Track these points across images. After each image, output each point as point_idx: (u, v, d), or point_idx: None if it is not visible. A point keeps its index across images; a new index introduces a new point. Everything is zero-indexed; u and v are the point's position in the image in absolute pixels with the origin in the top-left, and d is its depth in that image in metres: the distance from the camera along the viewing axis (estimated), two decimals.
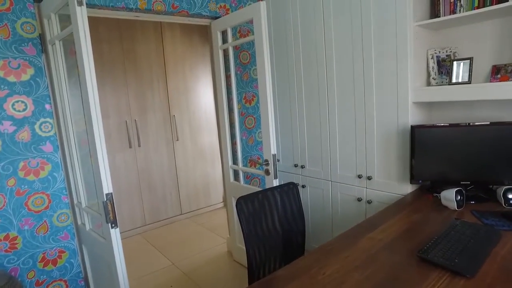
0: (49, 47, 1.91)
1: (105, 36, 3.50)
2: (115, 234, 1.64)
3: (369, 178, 2.27)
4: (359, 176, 2.33)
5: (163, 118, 3.96)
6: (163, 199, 4.04)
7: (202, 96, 4.27)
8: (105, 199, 1.61)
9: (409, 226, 1.56)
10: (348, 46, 2.24)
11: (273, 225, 1.82)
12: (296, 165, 2.82)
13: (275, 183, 2.39)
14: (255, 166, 3.02)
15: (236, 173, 2.89)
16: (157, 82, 3.89)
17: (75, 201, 2.09)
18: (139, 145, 3.79)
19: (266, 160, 2.38)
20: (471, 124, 1.84)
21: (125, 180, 3.74)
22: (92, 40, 3.40)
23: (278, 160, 2.84)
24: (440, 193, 1.81)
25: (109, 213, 1.61)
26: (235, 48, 2.83)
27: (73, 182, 2.09)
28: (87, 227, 2.02)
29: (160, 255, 3.32)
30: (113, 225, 1.63)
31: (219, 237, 3.65)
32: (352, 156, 2.37)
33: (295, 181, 2.81)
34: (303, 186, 2.77)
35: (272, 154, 2.35)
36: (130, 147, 3.73)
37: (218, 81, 2.76)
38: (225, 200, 4.59)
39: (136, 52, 3.72)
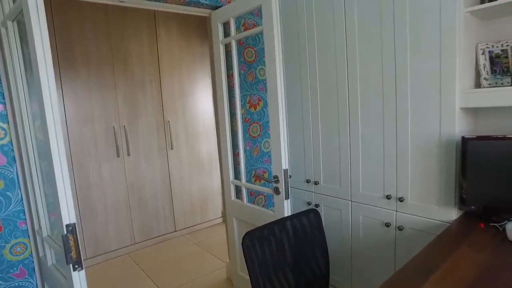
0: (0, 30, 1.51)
1: (91, 31, 3.11)
2: (78, 278, 1.23)
3: (400, 199, 1.86)
4: (388, 197, 1.93)
5: (156, 124, 3.56)
6: (155, 214, 3.62)
7: (200, 100, 3.87)
8: (65, 232, 1.20)
9: (478, 272, 1.15)
10: (375, 41, 1.85)
11: (289, 268, 1.41)
12: (308, 181, 2.42)
13: (286, 205, 1.98)
14: (260, 181, 2.62)
15: (238, 189, 2.49)
16: (150, 84, 3.50)
17: (36, 227, 1.67)
18: (128, 154, 3.39)
19: (276, 177, 1.98)
20: None
21: (112, 193, 3.32)
22: (75, 35, 3.02)
23: (290, 176, 2.44)
24: (500, 223, 1.41)
25: (70, 250, 1.20)
26: (239, 43, 2.44)
27: (33, 203, 1.68)
28: (49, 262, 1.60)
29: (149, 281, 2.89)
30: (76, 266, 1.22)
31: (217, 260, 3.23)
32: (379, 172, 1.97)
33: (306, 199, 2.41)
34: (317, 206, 2.37)
35: (283, 170, 1.95)
36: (118, 156, 3.32)
37: (218, 81, 2.36)
38: (224, 218, 4.18)
39: (126, 51, 3.33)
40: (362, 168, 2.06)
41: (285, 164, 1.95)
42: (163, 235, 3.69)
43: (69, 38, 3.01)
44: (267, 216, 2.12)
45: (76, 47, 3.05)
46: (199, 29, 3.81)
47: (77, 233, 1.21)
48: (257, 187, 2.24)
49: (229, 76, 2.38)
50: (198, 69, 3.83)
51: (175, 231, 3.78)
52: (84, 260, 3.19)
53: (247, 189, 2.37)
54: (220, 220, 4.14)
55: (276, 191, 2.00)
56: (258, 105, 2.55)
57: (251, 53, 2.51)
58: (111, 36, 3.23)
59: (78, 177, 3.12)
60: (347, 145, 2.12)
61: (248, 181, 2.51)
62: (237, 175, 2.48)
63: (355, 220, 2.14)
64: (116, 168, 3.33)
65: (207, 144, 3.96)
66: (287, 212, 2.01)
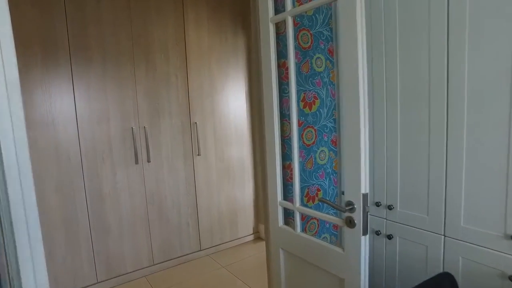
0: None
1: (108, 15, 2.63)
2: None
3: None
4: None
5: (181, 125, 3.04)
6: (177, 230, 3.09)
7: (232, 98, 3.33)
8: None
9: None
10: (492, 12, 1.24)
11: None
12: (378, 204, 1.83)
13: (364, 243, 1.40)
14: (313, 202, 2.03)
15: (286, 212, 1.92)
16: (175, 78, 2.98)
17: None
18: (148, 160, 2.88)
19: (350, 203, 1.40)
20: None
21: (128, 206, 2.82)
22: (89, 19, 2.54)
23: (368, 209, 1.85)
24: None
25: None
26: (294, 23, 1.87)
27: None
28: None
29: None
30: None
31: None
32: (495, 200, 1.36)
33: (374, 227, 1.85)
34: (389, 237, 1.78)
35: (362, 194, 1.36)
36: (137, 162, 2.82)
37: (266, 73, 1.80)
38: (257, 235, 3.62)
39: (148, 38, 2.82)
40: (465, 192, 1.45)
41: (364, 187, 1.37)
42: (186, 255, 3.17)
43: (82, 22, 2.53)
44: (333, 255, 1.54)
45: (90, 33, 2.56)
46: (232, 14, 3.27)
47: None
48: (318, 213, 1.65)
49: (280, 66, 1.82)
50: (231, 61, 3.29)
51: (200, 250, 3.25)
52: (93, 284, 2.69)
53: (300, 213, 1.79)
54: (252, 237, 3.58)
55: (350, 222, 1.42)
56: (314, 104, 1.98)
57: (307, 38, 1.94)
58: (132, 21, 2.73)
59: (89, 185, 2.63)
60: (441, 159, 1.51)
61: (302, 202, 1.92)
62: (287, 194, 1.91)
63: (451, 263, 1.53)
64: (133, 177, 2.83)
65: (239, 150, 3.41)
66: (364, 253, 1.43)
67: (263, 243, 3.50)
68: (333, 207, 1.53)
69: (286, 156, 1.89)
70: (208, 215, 3.26)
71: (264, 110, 1.85)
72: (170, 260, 3.07)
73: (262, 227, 3.56)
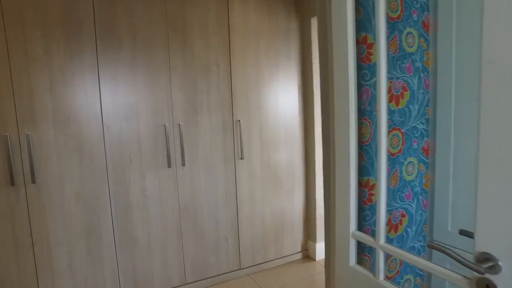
0: None
1: None
2: None
3: None
4: None
5: (222, 123, 2.59)
6: (214, 246, 2.65)
7: (282, 92, 2.82)
8: None
9: None
10: None
11: None
12: (462, 233, 1.26)
13: None
14: (395, 232, 1.47)
15: (360, 247, 1.37)
16: (217, 67, 2.53)
17: None
18: (183, 164, 2.46)
19: (487, 258, 0.84)
20: None
21: (158, 216, 2.42)
22: None
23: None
24: None
25: None
26: None
27: None
28: None
29: None
30: None
31: None
32: None
33: (461, 272, 1.23)
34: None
35: None
36: (169, 165, 2.41)
37: (338, 50, 1.26)
38: (306, 253, 3.08)
39: (186, 20, 2.40)
40: None
41: None
42: (224, 274, 2.72)
43: (109, 0, 2.16)
44: None
45: (118, 12, 2.18)
46: None
47: None
48: (421, 261, 1.09)
49: (358, 42, 1.28)
50: (281, 49, 2.79)
51: (240, 269, 2.78)
52: None
53: (385, 253, 1.24)
54: (299, 256, 3.05)
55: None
56: (402, 98, 1.41)
57: (396, 4, 1.38)
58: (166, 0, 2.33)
59: (114, 191, 2.26)
60: None
61: (386, 238, 1.35)
62: (361, 222, 1.37)
63: None
64: (165, 182, 2.42)
65: (289, 154, 2.90)
66: None
67: (313, 263, 2.96)
68: (459, 261, 0.96)
69: (363, 170, 1.34)
70: (250, 229, 2.79)
71: (334, 104, 1.32)
72: (205, 279, 2.64)
73: (312, 245, 3.02)
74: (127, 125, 2.27)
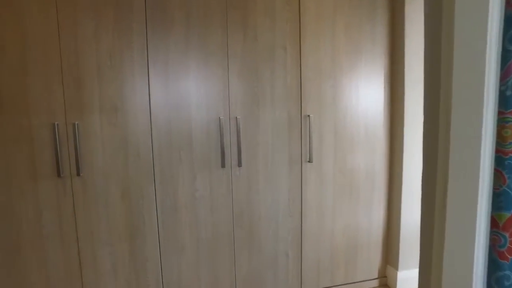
0: None
1: None
2: None
3: None
4: None
5: (288, 118, 2.18)
6: (271, 261, 2.28)
7: (364, 83, 2.30)
8: None
9: None
10: None
11: None
12: None
13: None
14: None
15: None
16: (283, 51, 2.13)
17: None
18: (239, 164, 2.12)
19: None
20: None
21: (209, 222, 2.13)
22: None
23: None
24: None
25: None
26: None
27: None
28: None
29: None
30: None
31: None
32: None
33: None
34: None
35: None
36: (223, 165, 2.09)
37: (473, 20, 0.76)
38: (383, 281, 2.53)
39: None
40: None
41: None
42: None
43: None
44: None
45: None
46: None
47: None
48: None
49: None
50: (365, 29, 2.25)
51: None
52: None
53: None
54: (375, 283, 2.51)
55: None
56: None
57: None
58: None
59: (160, 190, 2.03)
60: None
61: None
62: (492, 286, 0.85)
63: None
64: (218, 184, 2.11)
65: (369, 159, 2.37)
66: None
67: None
68: None
69: (503, 199, 0.82)
70: (316, 245, 2.34)
71: (453, 87, 0.81)
72: None
73: (392, 272, 2.45)
74: (177, 116, 2.01)
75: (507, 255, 0.80)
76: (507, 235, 0.80)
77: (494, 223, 0.80)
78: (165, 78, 1.97)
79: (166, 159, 2.02)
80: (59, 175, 1.87)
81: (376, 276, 2.51)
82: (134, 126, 1.95)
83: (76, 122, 1.86)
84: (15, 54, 1.77)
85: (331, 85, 2.23)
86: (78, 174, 1.89)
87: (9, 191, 1.85)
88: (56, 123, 1.84)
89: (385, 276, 2.53)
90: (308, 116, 2.21)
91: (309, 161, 2.25)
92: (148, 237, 2.04)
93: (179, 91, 2.00)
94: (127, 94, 1.93)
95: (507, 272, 0.80)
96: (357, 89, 2.28)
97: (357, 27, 2.23)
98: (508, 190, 0.78)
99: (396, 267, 2.44)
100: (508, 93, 0.75)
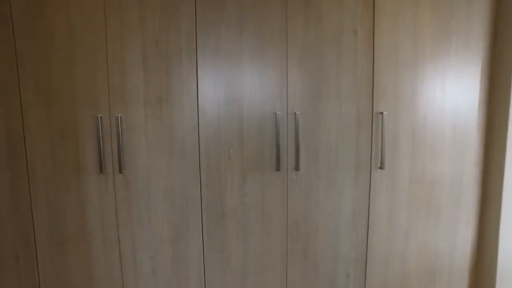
0: None
1: None
2: None
3: None
4: None
5: (356, 116, 1.84)
6: (331, 281, 1.96)
7: (453, 75, 1.86)
8: None
9: None
10: None
11: None
12: None
13: None
14: None
15: None
16: (353, 36, 1.78)
17: None
18: (296, 168, 1.83)
19: None
20: None
21: (259, 232, 1.88)
22: None
23: None
24: None
25: None
26: None
27: None
28: None
29: None
30: None
31: None
32: None
33: None
34: None
35: None
36: (278, 168, 1.82)
37: None
38: None
39: None
40: None
41: None
42: None
43: None
44: None
45: None
46: None
47: None
48: None
49: None
50: (457, 6, 1.81)
51: None
52: None
53: None
54: None
55: None
56: None
57: None
58: None
59: (206, 193, 1.82)
60: None
61: None
62: None
63: None
64: (271, 190, 1.85)
65: (456, 166, 1.93)
66: None
67: None
68: None
69: None
70: (383, 267, 1.97)
71: None
72: None
73: None
74: (227, 110, 1.78)
75: None
76: None
77: None
78: (215, 66, 1.74)
79: (214, 158, 1.80)
80: (101, 171, 1.74)
81: None
82: (180, 120, 1.76)
83: (119, 115, 1.72)
84: (63, 43, 1.67)
85: (410, 76, 1.83)
86: (120, 171, 1.75)
87: (55, 184, 1.77)
88: (99, 115, 1.71)
89: None
90: (381, 113, 1.84)
91: (380, 168, 1.88)
92: (191, 243, 1.85)
93: (230, 82, 1.76)
94: (173, 85, 1.74)
95: None
96: (443, 82, 1.86)
97: (447, 3, 1.80)
98: None
99: None
100: None
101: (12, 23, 1.65)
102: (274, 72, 1.77)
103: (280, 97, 1.79)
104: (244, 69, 1.76)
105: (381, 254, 1.96)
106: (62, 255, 1.82)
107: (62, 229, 1.80)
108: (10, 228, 1.78)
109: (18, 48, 1.66)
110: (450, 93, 1.87)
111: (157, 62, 1.71)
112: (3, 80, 1.67)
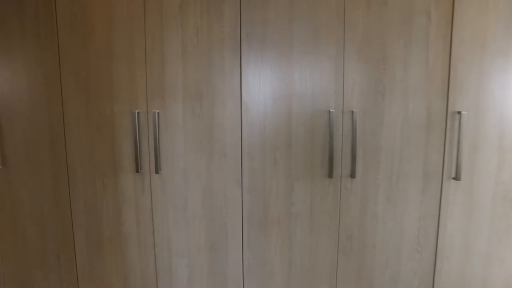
0: None
1: None
2: None
3: None
4: None
5: (426, 115, 1.54)
6: None
7: None
8: None
9: None
10: None
11: None
12: None
13: None
14: None
15: None
16: (425, 20, 1.49)
17: None
18: (351, 175, 1.58)
19: None
20: None
21: (306, 244, 1.66)
22: None
23: None
24: None
25: None
26: None
27: None
28: None
29: None
30: None
31: None
32: None
33: None
34: None
35: None
36: (330, 175, 1.58)
37: None
38: None
39: None
40: None
41: None
42: None
43: None
44: None
45: None
46: None
47: None
48: None
49: None
50: None
51: None
52: None
53: None
54: None
55: None
56: None
57: None
58: None
59: (248, 201, 1.63)
60: None
61: None
62: None
63: None
64: (322, 199, 1.61)
65: None
66: None
67: None
68: None
69: None
70: None
71: None
72: None
73: None
74: (274, 108, 1.57)
75: None
76: None
77: None
78: (261, 58, 1.55)
79: (257, 161, 1.61)
80: (137, 170, 1.63)
81: None
82: (221, 117, 1.59)
83: (157, 111, 1.59)
84: (102, 37, 1.59)
85: (500, 67, 1.49)
86: (157, 172, 1.62)
87: (93, 183, 1.69)
88: (137, 111, 1.60)
89: None
90: (459, 113, 1.52)
91: (454, 178, 1.56)
92: (230, 253, 1.68)
93: (277, 75, 1.56)
94: (214, 79, 1.57)
95: None
96: None
97: None
98: None
99: None
100: None
101: (56, 15, 1.59)
102: (328, 63, 1.53)
103: (335, 93, 1.55)
104: (293, 60, 1.54)
105: (452, 283, 1.64)
106: (99, 254, 1.75)
107: (99, 228, 1.73)
108: (52, 224, 1.74)
109: (60, 41, 1.60)
110: None
111: (198, 54, 1.56)
112: (46, 73, 1.63)
